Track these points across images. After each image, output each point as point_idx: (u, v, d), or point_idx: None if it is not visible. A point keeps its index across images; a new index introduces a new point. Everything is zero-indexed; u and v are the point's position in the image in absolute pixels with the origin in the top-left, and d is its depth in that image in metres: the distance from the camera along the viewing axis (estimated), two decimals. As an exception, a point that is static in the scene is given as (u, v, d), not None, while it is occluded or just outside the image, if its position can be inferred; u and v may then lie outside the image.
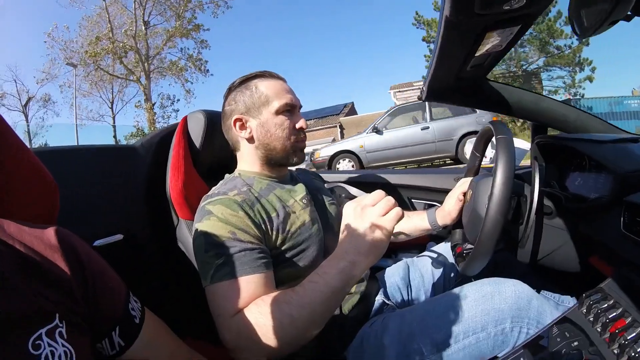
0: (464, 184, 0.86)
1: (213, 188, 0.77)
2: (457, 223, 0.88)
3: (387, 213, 0.55)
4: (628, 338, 0.45)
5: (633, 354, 0.43)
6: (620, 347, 0.45)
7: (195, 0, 12.75)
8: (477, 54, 0.77)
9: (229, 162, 0.99)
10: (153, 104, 12.37)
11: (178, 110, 12.78)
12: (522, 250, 0.72)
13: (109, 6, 11.85)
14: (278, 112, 0.77)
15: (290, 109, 0.79)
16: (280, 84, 0.80)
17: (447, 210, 0.87)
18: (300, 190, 0.82)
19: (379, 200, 0.57)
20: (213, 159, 1.03)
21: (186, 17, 12.65)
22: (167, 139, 1.02)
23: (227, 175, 0.83)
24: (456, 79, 0.88)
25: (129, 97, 12.51)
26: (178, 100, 13.11)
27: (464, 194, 0.85)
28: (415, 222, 0.93)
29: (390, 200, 0.56)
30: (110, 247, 0.86)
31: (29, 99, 12.69)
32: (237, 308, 0.58)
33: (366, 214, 0.56)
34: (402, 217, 0.56)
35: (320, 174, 1.08)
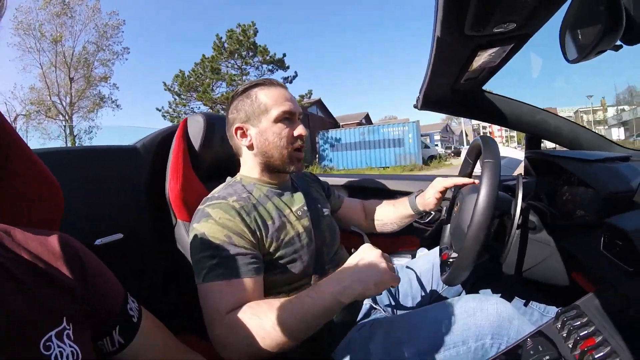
0: (449, 181, 0.90)
1: (213, 191, 0.79)
2: (447, 218, 0.91)
3: (386, 278, 0.60)
4: (596, 357, 0.47)
5: (598, 373, 0.45)
6: (587, 365, 0.47)
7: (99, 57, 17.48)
8: (470, 69, 0.78)
9: (227, 164, 1.00)
10: (75, 136, 17.19)
11: (92, 138, 17.68)
12: (506, 263, 0.74)
13: (46, 70, 16.22)
14: (277, 120, 0.78)
15: (290, 117, 0.79)
16: (279, 92, 0.80)
17: (427, 199, 0.92)
18: (298, 200, 0.84)
19: (390, 267, 0.62)
20: (212, 160, 1.05)
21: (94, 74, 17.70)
22: (167, 140, 1.04)
23: (228, 178, 0.85)
24: (451, 91, 0.89)
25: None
26: (92, 131, 17.99)
27: (452, 204, 0.87)
28: (401, 211, 0.99)
29: (395, 278, 0.62)
30: (111, 245, 0.89)
31: (17, 116, 16.34)
32: (228, 307, 0.61)
33: (378, 265, 0.61)
34: (392, 286, 0.63)
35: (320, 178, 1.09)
